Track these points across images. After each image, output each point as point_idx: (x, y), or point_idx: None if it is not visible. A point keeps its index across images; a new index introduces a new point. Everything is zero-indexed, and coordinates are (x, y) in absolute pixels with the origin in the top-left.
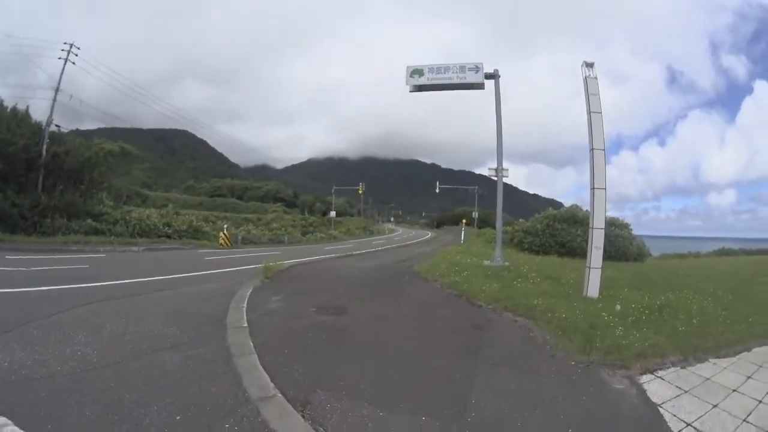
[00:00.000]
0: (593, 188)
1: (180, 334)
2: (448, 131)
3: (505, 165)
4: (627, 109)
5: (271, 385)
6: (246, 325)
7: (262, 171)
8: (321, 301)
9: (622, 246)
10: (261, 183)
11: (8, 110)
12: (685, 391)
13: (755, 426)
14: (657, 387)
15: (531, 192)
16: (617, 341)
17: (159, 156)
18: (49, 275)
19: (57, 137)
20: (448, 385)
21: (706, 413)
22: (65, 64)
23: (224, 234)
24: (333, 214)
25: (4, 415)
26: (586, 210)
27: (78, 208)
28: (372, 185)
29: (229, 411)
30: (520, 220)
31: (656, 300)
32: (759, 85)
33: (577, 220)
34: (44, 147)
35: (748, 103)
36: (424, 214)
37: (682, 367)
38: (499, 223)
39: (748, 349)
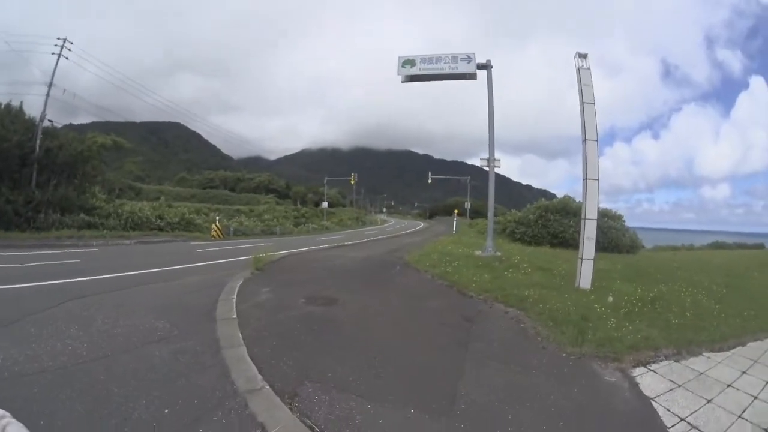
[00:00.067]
0: (586, 179)
1: (169, 326)
2: (441, 122)
3: (497, 156)
4: (621, 101)
5: (259, 377)
6: (235, 316)
7: (255, 162)
8: (311, 292)
9: (614, 237)
10: (254, 174)
11: (2, 107)
12: (679, 385)
13: (751, 423)
14: (650, 380)
15: (524, 183)
16: (609, 333)
17: (152, 148)
18: (42, 270)
19: (50, 132)
20: (438, 378)
21: (700, 408)
22: (58, 59)
23: (216, 226)
24: (325, 204)
25: (0, 408)
26: (579, 201)
27: (71, 202)
28: (365, 176)
29: (217, 404)
30: (513, 210)
31: (649, 292)
32: (755, 80)
33: (570, 211)
34: (38, 142)
35: (743, 98)
36: (416, 204)
37: (675, 361)
38: (490, 214)
39: (743, 344)
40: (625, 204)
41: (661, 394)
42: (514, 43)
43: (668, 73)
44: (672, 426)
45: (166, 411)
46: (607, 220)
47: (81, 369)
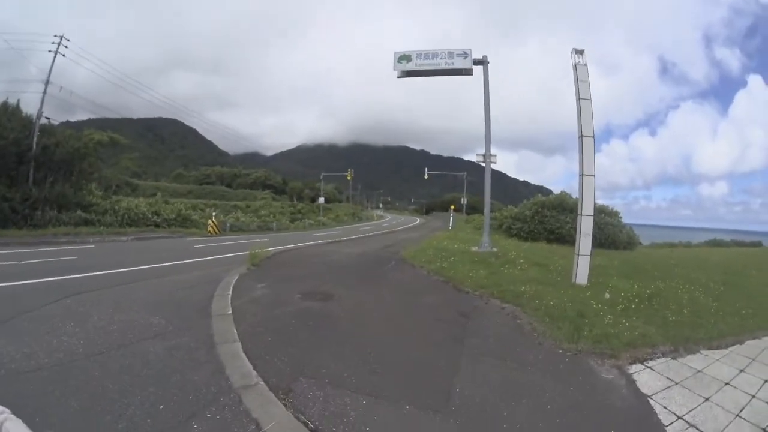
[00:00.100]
0: (582, 175)
1: (165, 322)
2: (438, 118)
3: (494, 151)
4: (618, 98)
5: (254, 373)
6: (230, 312)
7: (252, 158)
8: (306, 288)
9: (611, 234)
10: (250, 170)
11: None
12: (676, 383)
13: (749, 422)
14: (647, 378)
15: (520, 179)
16: (606, 330)
17: (148, 145)
18: (39, 268)
19: (47, 129)
20: (433, 374)
21: (698, 406)
22: (55, 56)
23: (212, 222)
24: (322, 200)
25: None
26: (576, 197)
27: (68, 199)
28: (361, 171)
29: (212, 400)
30: (509, 206)
31: (646, 289)
32: (753, 79)
33: (566, 207)
34: (35, 140)
35: (741, 96)
36: (413, 200)
37: (672, 358)
38: (486, 209)
39: (741, 342)
40: (622, 201)
41: (659, 391)
42: (511, 40)
43: (666, 70)
44: (669, 424)
45: (161, 407)
46: (604, 217)
47: (76, 365)
